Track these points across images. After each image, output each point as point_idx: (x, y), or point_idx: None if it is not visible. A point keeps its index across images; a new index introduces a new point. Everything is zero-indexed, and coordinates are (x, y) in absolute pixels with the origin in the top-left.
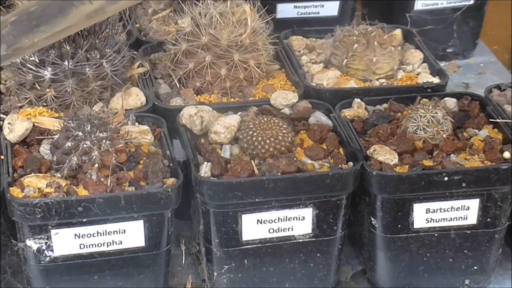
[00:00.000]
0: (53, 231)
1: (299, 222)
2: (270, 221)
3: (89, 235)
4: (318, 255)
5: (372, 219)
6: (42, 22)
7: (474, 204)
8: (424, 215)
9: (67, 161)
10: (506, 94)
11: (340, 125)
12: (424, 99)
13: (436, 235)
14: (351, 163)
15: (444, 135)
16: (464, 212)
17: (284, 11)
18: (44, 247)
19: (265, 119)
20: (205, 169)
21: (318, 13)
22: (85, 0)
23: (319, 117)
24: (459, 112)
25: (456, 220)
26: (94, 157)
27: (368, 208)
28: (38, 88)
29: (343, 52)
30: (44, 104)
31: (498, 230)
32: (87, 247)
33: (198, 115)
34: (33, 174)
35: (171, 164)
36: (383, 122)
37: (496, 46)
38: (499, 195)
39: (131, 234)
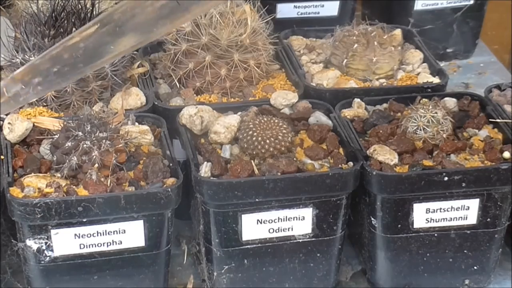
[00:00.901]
0: (53, 231)
1: (299, 222)
2: (270, 221)
3: (89, 235)
4: (318, 255)
5: (372, 219)
6: (83, 64)
7: (474, 204)
8: (424, 215)
9: (67, 161)
10: (506, 94)
11: (340, 125)
12: (424, 99)
13: (436, 235)
14: (351, 163)
15: (444, 135)
16: (464, 212)
17: (284, 11)
18: (44, 247)
19: (265, 119)
20: (205, 169)
21: (318, 13)
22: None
23: (319, 117)
24: (459, 112)
25: (456, 220)
26: (94, 157)
27: (368, 208)
28: None
29: (343, 52)
30: (44, 104)
31: (498, 230)
32: (87, 247)
33: (198, 115)
34: (33, 174)
35: (171, 164)
36: (383, 122)
37: (496, 46)
38: (499, 195)
39: (131, 234)
